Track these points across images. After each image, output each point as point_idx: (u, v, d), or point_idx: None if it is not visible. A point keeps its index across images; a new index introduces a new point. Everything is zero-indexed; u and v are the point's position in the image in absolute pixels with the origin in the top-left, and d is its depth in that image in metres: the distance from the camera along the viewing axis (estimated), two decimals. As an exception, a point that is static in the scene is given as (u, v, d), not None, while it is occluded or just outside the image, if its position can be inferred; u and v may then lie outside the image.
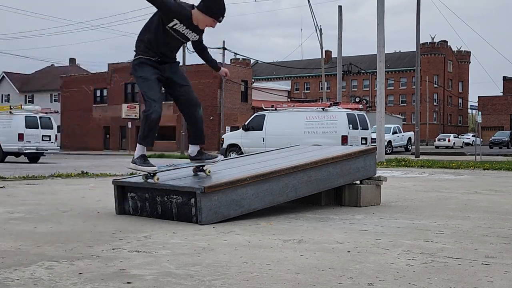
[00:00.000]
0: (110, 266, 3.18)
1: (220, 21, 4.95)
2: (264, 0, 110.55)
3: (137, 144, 5.16)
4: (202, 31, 5.14)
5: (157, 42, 4.99)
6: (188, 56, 43.87)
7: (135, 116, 50.42)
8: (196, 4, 4.96)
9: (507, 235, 4.35)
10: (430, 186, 9.36)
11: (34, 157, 23.93)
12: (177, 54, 5.30)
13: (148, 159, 5.19)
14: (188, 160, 5.69)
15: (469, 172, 14.00)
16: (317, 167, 5.72)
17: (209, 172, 5.50)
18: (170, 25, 4.92)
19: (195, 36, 5.12)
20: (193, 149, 5.53)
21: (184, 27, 4.96)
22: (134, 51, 5.12)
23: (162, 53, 5.07)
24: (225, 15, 4.94)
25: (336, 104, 21.36)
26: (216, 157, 5.66)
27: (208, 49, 5.51)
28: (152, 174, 5.15)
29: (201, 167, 5.56)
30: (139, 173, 5.54)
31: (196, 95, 5.35)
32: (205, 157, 5.55)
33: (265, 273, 3.03)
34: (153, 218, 5.15)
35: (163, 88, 5.26)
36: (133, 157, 5.15)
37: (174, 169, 5.61)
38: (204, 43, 5.40)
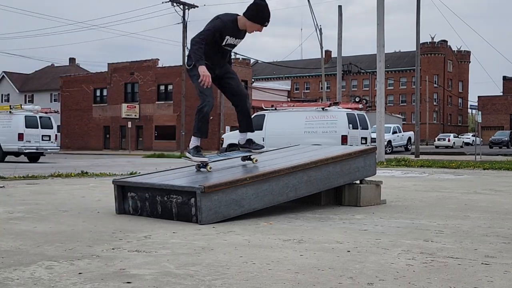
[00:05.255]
0: (110, 266, 3.18)
1: (265, 26, 5.39)
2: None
3: (192, 136, 5.57)
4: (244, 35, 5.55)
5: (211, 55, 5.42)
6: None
7: (135, 116, 50.43)
8: (241, 13, 5.41)
9: (507, 235, 4.35)
10: (430, 186, 9.35)
11: (34, 157, 23.95)
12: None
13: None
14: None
15: (469, 172, 13.99)
16: (317, 167, 5.72)
17: (256, 161, 5.84)
18: (224, 43, 5.39)
19: (239, 41, 5.56)
20: (242, 137, 5.93)
21: (234, 38, 5.45)
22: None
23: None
24: (270, 20, 5.39)
25: (336, 104, 21.35)
26: (262, 147, 6.03)
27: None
28: (204, 165, 5.57)
29: (248, 156, 5.92)
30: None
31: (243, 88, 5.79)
32: (253, 146, 5.94)
33: (265, 273, 3.03)
34: (153, 218, 5.15)
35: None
36: (188, 147, 5.62)
37: (225, 159, 5.96)
38: None
